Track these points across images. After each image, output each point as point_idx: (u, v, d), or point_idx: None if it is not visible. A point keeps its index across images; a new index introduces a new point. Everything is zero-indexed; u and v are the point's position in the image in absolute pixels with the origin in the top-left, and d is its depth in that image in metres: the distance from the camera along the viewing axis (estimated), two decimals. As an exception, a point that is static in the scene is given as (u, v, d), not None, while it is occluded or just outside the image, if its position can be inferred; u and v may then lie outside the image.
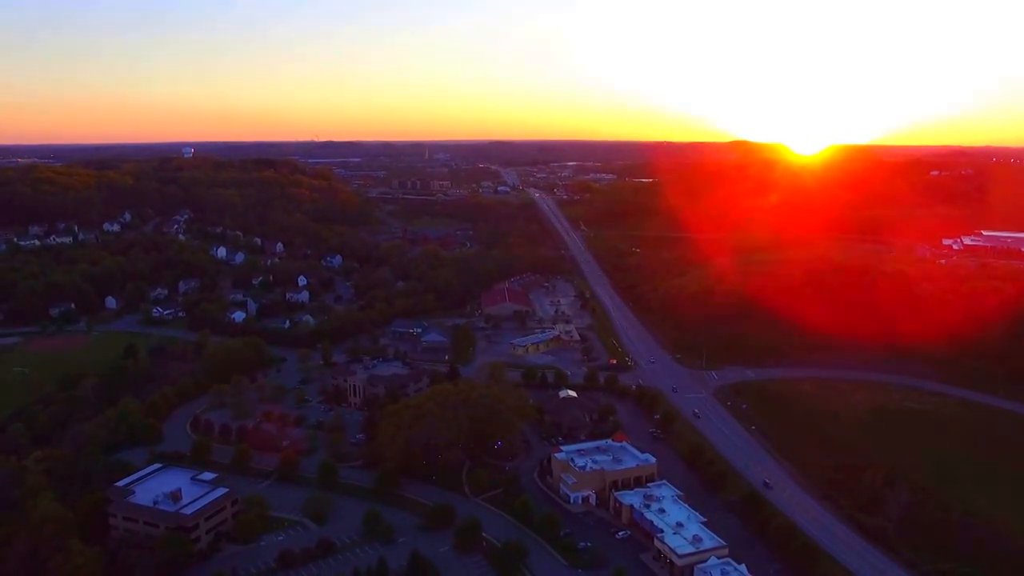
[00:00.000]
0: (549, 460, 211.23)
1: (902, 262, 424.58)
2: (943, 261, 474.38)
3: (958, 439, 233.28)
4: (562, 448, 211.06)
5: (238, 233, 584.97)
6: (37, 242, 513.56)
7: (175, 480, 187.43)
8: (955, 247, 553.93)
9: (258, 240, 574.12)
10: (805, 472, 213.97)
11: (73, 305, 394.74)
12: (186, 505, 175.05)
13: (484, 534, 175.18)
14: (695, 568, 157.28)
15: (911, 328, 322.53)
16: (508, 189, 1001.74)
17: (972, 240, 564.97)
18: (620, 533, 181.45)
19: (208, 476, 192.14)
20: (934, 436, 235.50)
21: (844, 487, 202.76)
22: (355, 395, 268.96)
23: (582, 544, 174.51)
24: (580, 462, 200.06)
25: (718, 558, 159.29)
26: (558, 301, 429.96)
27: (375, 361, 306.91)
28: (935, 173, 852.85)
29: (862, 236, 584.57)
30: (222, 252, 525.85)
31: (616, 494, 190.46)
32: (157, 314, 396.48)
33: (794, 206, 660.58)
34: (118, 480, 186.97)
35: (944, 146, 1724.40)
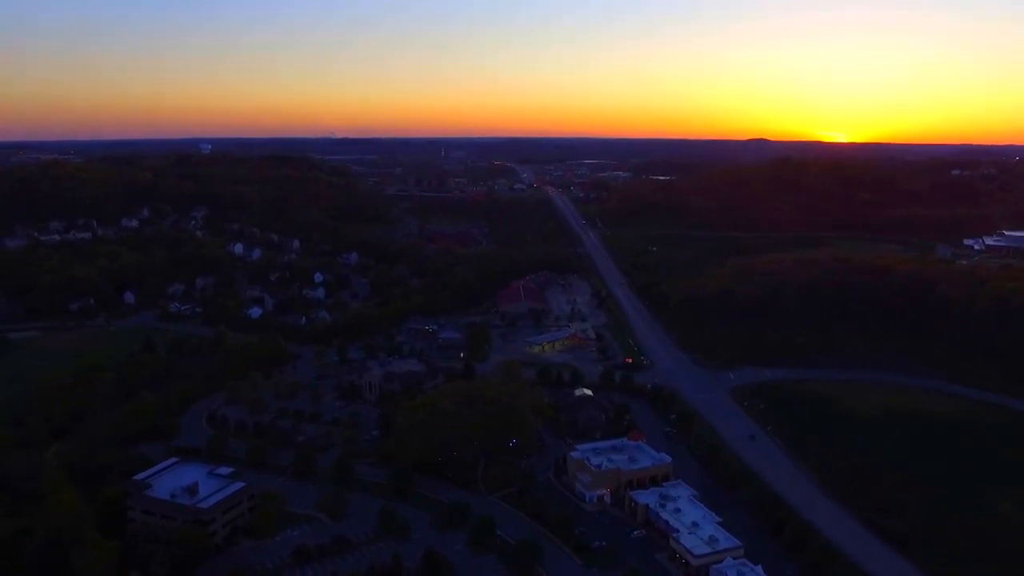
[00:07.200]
0: (564, 459, 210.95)
1: (922, 262, 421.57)
2: (964, 261, 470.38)
3: (977, 441, 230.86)
4: (577, 447, 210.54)
5: (255, 229, 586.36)
6: (57, 237, 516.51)
7: (192, 474, 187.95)
8: (976, 247, 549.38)
9: (275, 236, 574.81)
10: (822, 473, 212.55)
11: (92, 300, 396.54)
12: (203, 499, 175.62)
13: (498, 532, 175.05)
14: (710, 568, 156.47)
15: (931, 329, 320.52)
16: (524, 187, 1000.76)
17: (994, 240, 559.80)
18: (635, 532, 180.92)
19: (225, 470, 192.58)
20: (953, 438, 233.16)
21: (862, 489, 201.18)
22: (371, 392, 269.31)
23: (596, 543, 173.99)
24: (595, 461, 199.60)
25: (734, 559, 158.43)
26: (574, 299, 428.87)
27: (391, 358, 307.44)
28: (956, 172, 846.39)
29: (882, 235, 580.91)
30: (239, 248, 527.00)
31: (631, 493, 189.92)
32: (174, 309, 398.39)
33: (814, 204, 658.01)
34: (135, 474, 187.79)
35: (966, 144, 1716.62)
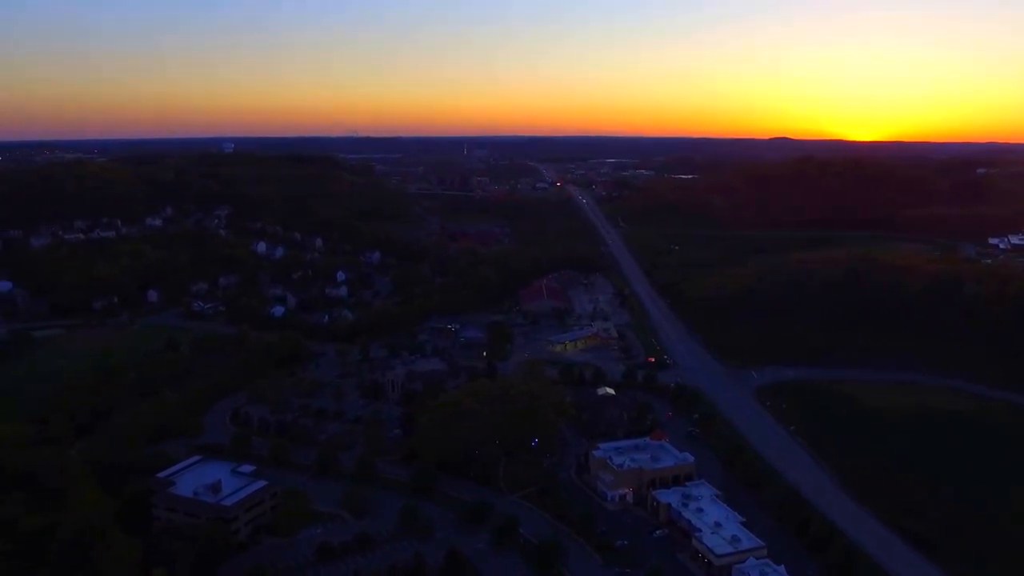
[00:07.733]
0: (586, 457, 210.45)
1: (946, 261, 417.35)
2: (989, 260, 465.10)
3: (1002, 442, 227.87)
4: (600, 446, 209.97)
5: (278, 228, 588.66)
6: (81, 235, 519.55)
7: (215, 472, 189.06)
8: (1002, 246, 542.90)
9: (298, 235, 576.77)
10: (845, 474, 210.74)
11: (115, 298, 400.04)
12: (226, 496, 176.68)
13: (520, 531, 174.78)
14: (733, 568, 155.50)
15: (954, 328, 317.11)
16: (547, 186, 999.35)
17: (1020, 239, 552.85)
18: (657, 532, 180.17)
19: (248, 468, 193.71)
20: (977, 439, 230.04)
21: (885, 490, 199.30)
22: (393, 390, 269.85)
23: (618, 542, 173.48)
24: (618, 460, 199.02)
25: (756, 559, 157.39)
26: (596, 298, 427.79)
27: (413, 356, 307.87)
28: (982, 171, 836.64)
29: (906, 234, 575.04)
30: (262, 247, 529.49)
31: (654, 493, 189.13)
32: (198, 308, 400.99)
33: (836, 203, 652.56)
34: (159, 471, 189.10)
35: (992, 142, 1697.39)
